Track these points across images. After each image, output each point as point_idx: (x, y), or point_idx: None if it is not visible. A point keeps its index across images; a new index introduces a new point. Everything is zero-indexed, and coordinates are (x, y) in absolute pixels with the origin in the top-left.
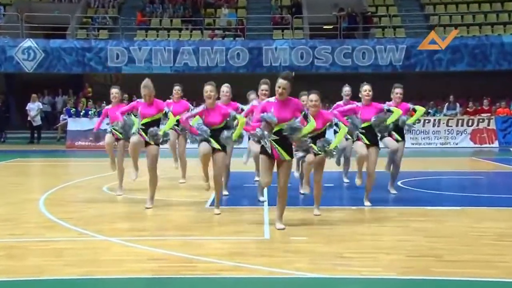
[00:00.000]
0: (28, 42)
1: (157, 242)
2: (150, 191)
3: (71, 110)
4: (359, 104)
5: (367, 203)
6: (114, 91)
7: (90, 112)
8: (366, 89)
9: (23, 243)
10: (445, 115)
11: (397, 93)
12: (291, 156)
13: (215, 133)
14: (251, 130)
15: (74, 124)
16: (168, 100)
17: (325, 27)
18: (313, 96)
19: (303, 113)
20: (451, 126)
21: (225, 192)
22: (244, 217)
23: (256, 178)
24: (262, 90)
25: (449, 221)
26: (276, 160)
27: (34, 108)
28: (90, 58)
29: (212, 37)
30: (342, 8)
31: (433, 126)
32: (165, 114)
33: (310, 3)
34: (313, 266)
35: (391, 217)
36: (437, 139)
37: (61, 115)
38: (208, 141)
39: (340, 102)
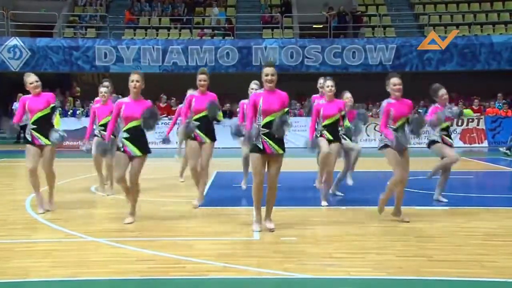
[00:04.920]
0: (14, 41)
1: (145, 243)
2: (50, 192)
3: (58, 110)
4: (321, 101)
5: (324, 202)
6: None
7: (78, 112)
8: (329, 85)
9: (9, 244)
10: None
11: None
12: (283, 149)
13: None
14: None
15: (62, 124)
16: (96, 99)
17: (315, 26)
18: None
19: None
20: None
21: (195, 202)
22: (232, 218)
23: (243, 185)
24: (253, 89)
25: (438, 221)
26: (268, 155)
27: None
28: (77, 57)
29: (201, 36)
30: (332, 7)
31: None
32: (53, 108)
33: (300, 2)
34: (302, 267)
35: (381, 217)
36: (427, 138)
37: None
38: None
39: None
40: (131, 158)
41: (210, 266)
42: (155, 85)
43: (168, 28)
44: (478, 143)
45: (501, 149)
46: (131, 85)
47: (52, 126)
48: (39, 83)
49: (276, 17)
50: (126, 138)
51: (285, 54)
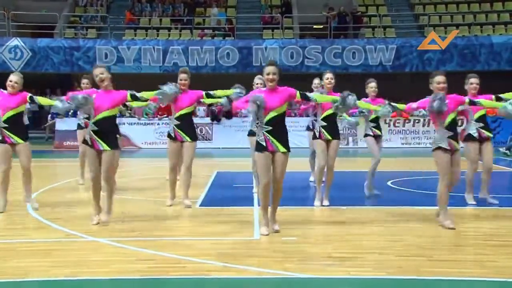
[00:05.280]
0: (15, 41)
1: (145, 243)
2: (27, 193)
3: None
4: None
5: (325, 202)
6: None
7: (78, 112)
8: (328, 77)
9: (10, 244)
10: (416, 116)
11: (472, 84)
12: (287, 148)
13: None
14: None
15: (62, 124)
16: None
17: (315, 26)
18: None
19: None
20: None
21: (187, 202)
22: (232, 217)
23: (255, 190)
24: (257, 84)
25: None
26: (271, 154)
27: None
28: (78, 57)
29: (201, 37)
30: (332, 8)
31: (423, 126)
32: (31, 99)
33: (300, 2)
34: (302, 266)
35: (380, 217)
36: (427, 139)
37: (49, 115)
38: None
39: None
40: (101, 152)
41: (210, 266)
42: (155, 86)
43: (169, 29)
44: None
45: (501, 149)
46: (96, 79)
47: (24, 126)
48: (17, 84)
49: (276, 17)
50: (94, 132)
51: (285, 54)
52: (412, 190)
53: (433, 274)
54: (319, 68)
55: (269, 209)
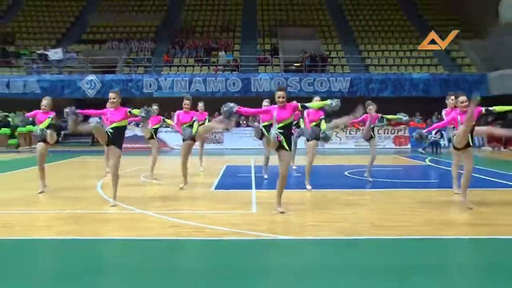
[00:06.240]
0: (91, 77)
1: (176, 215)
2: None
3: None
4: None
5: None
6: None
7: (131, 124)
8: (317, 99)
9: (85, 214)
10: (376, 126)
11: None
12: (290, 148)
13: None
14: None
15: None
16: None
17: (295, 64)
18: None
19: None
20: (381, 134)
21: (182, 185)
22: (237, 197)
23: (265, 175)
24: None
25: (380, 199)
26: (278, 147)
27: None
28: (131, 86)
29: (215, 71)
30: (306, 52)
31: None
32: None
33: (285, 48)
34: (288, 231)
35: (341, 197)
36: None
37: None
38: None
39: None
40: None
41: (223, 231)
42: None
43: (193, 66)
44: (405, 146)
45: (419, 149)
46: (110, 100)
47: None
48: (46, 108)
49: (268, 58)
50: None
51: (274, 83)
52: (362, 178)
53: (375, 234)
54: (298, 93)
55: (276, 197)
